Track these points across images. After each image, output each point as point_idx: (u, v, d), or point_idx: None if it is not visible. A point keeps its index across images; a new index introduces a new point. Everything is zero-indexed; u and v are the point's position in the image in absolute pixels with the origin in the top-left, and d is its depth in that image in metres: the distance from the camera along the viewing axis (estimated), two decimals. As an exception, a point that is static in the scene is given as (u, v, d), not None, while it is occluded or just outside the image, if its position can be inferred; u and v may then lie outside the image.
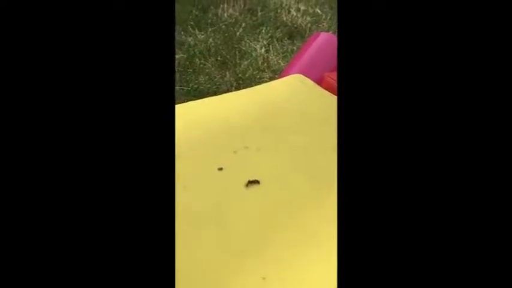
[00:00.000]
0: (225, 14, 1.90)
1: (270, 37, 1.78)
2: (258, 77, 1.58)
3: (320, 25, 1.94)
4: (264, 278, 0.51)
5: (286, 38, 1.81)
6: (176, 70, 1.57)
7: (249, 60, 1.65)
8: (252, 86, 0.88)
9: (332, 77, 0.94)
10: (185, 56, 1.62)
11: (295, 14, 1.97)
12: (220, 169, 0.65)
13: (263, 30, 1.81)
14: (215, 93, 1.47)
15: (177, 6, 1.89)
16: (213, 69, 1.59)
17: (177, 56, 1.64)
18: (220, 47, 1.70)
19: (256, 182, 0.63)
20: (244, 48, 1.71)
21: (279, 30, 1.84)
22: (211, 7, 1.93)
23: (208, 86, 1.51)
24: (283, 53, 1.71)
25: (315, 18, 1.97)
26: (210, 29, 1.79)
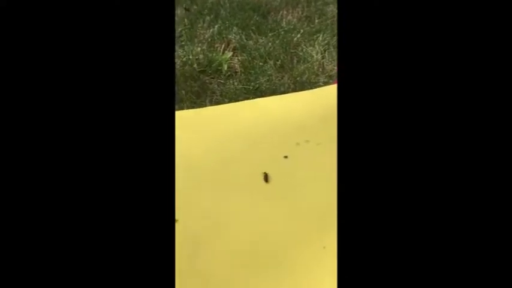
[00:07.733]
0: (284, 21, 2.01)
1: (327, 44, 1.88)
2: (314, 81, 1.68)
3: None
4: (324, 247, 0.57)
5: (341, 46, 1.89)
6: (239, 70, 1.70)
7: (305, 65, 1.75)
8: (308, 88, 0.96)
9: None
10: (248, 58, 1.74)
11: (351, 22, 2.04)
12: (286, 157, 0.76)
13: (320, 37, 1.91)
14: (274, 93, 1.58)
15: (240, 12, 2.02)
16: (272, 71, 1.71)
17: (240, 58, 1.77)
18: (279, 51, 1.82)
19: (266, 176, 0.70)
20: (301, 54, 1.82)
21: (335, 37, 1.92)
22: (272, 13, 2.04)
23: (268, 86, 1.63)
24: (338, 60, 1.79)
25: (370, 27, 2.03)
26: (270, 34, 1.90)
